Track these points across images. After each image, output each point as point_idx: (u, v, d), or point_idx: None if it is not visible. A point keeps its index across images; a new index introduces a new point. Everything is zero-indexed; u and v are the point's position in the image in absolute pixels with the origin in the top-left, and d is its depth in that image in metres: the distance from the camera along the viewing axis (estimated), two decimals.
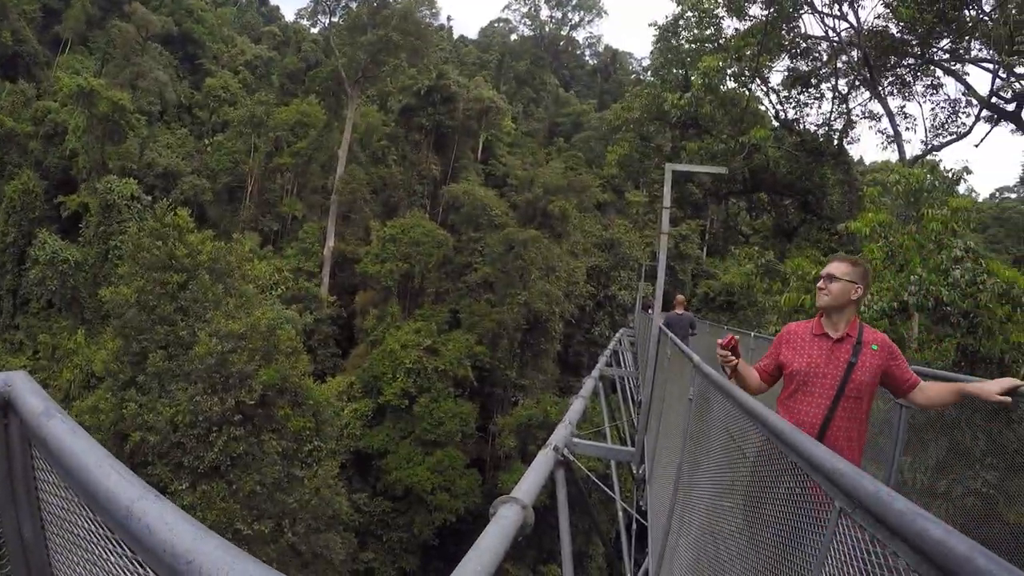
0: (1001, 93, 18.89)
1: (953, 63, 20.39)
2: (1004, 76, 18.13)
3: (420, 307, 44.05)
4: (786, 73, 23.90)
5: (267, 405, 26.02)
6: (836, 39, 21.73)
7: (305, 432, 27.05)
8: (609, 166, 37.14)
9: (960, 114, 22.02)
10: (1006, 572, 1.11)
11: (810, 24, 27.42)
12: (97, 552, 0.98)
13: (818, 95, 24.04)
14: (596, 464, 22.06)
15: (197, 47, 65.99)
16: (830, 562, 1.83)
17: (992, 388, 3.12)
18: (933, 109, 22.66)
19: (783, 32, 22.14)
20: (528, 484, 3.19)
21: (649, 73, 34.99)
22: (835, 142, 23.01)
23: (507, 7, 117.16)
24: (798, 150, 22.86)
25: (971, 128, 21.23)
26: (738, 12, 22.18)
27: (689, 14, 24.75)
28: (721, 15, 23.63)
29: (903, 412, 4.10)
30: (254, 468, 24.72)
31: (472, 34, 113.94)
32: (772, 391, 3.74)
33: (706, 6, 23.75)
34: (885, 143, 23.55)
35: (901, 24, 19.43)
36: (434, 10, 59.01)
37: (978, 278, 9.73)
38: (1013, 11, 16.58)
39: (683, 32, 25.82)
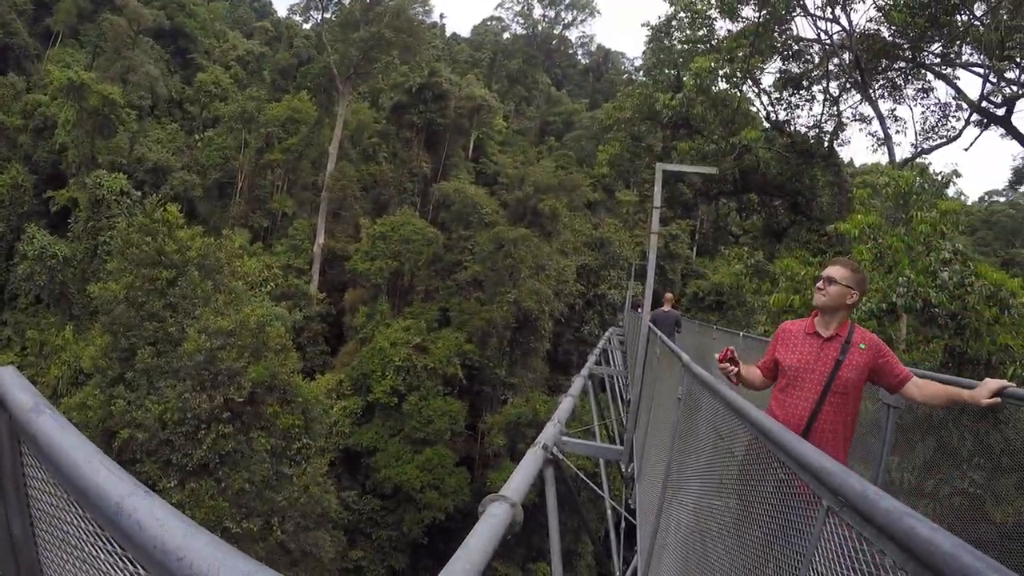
0: (991, 97, 18.95)
1: (944, 67, 20.48)
2: (994, 81, 18.20)
3: (410, 305, 43.99)
4: (778, 75, 23.89)
5: (256, 402, 25.89)
6: (828, 42, 21.76)
7: (294, 430, 26.91)
8: (600, 165, 37.10)
9: (950, 118, 22.09)
10: (991, 569, 1.12)
11: (802, 26, 27.44)
12: (87, 549, 0.97)
13: (809, 97, 24.07)
14: (585, 463, 22.15)
15: (189, 41, 65.53)
16: (817, 560, 1.84)
17: (981, 395, 3.27)
18: (923, 112, 22.75)
19: (775, 34, 22.17)
20: (517, 482, 3.19)
21: (641, 73, 35.07)
22: (826, 144, 23.04)
23: (500, 5, 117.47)
24: (789, 151, 22.91)
25: (961, 132, 21.32)
26: (730, 13, 22.18)
27: (682, 15, 24.74)
28: (714, 16, 23.61)
29: (891, 413, 4.15)
30: (243, 466, 24.61)
31: (465, 32, 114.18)
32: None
33: (699, 7, 23.73)
34: (875, 145, 23.59)
35: (893, 28, 19.50)
36: (427, 7, 59.26)
37: (966, 280, 9.80)
38: (1004, 17, 16.69)
39: (675, 33, 25.84)
